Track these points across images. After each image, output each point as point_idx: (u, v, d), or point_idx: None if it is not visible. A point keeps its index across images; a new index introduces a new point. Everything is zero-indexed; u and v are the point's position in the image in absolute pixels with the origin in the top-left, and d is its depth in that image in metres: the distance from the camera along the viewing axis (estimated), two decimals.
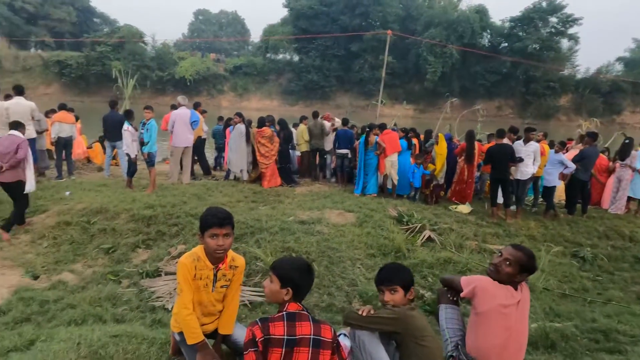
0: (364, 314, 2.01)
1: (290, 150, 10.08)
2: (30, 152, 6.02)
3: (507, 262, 2.32)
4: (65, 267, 5.26)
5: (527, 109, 44.04)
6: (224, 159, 11.22)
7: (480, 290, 2.27)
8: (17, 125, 6.07)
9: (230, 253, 2.41)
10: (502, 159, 7.49)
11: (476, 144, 8.74)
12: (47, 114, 9.64)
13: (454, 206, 8.20)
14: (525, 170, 7.60)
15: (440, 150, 8.61)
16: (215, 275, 2.34)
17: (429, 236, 6.36)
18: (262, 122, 9.12)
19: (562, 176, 8.07)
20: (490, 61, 43.61)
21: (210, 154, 12.16)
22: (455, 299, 2.48)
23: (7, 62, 43.61)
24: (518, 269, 2.30)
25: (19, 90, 7.58)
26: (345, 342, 2.12)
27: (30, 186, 5.99)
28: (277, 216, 6.74)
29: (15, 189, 5.87)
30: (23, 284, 4.69)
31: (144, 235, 5.92)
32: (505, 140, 7.90)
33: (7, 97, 8.02)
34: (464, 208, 8.08)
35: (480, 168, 9.25)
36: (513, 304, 2.27)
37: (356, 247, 5.76)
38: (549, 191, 8.42)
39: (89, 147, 11.36)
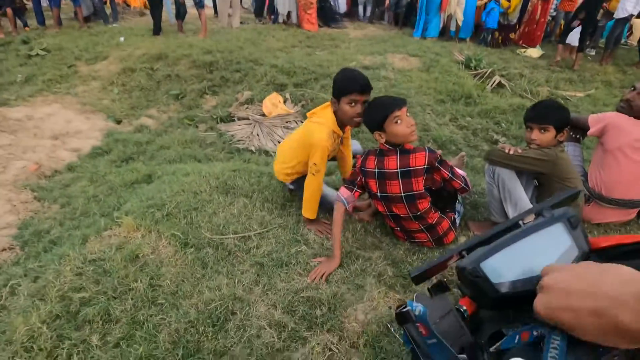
0: (511, 152, 1.99)
1: None
2: None
3: None
4: (141, 112, 5.46)
5: None
6: (266, 1, 10.37)
7: (613, 128, 2.18)
8: None
9: None
10: None
11: None
12: None
13: (523, 50, 7.60)
14: (625, 7, 6.67)
15: None
16: (341, 140, 2.25)
17: (499, 82, 6.08)
18: None
19: None
20: None
21: None
22: (577, 136, 2.43)
23: None
24: None
25: None
26: (460, 171, 2.11)
27: None
28: (338, 61, 6.49)
29: None
30: (111, 127, 4.95)
31: (208, 82, 5.91)
32: None
33: None
34: (534, 52, 7.50)
35: (557, 6, 8.24)
36: None
37: (425, 92, 5.61)
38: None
39: None
